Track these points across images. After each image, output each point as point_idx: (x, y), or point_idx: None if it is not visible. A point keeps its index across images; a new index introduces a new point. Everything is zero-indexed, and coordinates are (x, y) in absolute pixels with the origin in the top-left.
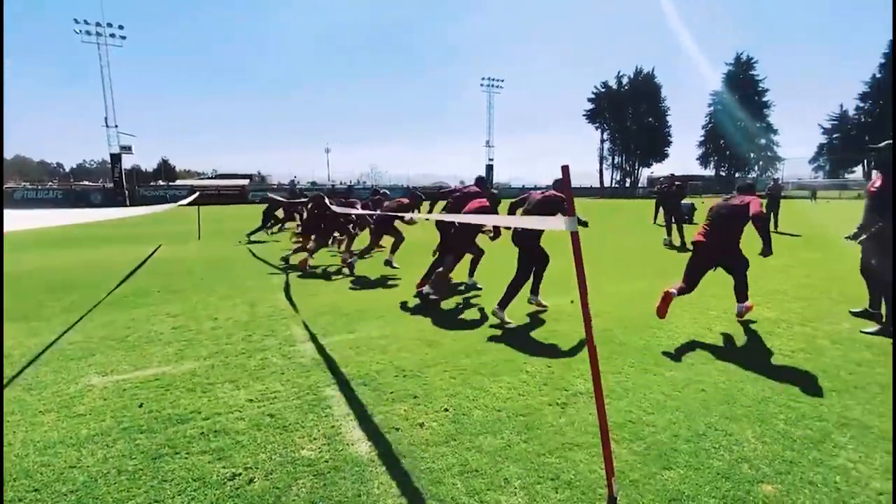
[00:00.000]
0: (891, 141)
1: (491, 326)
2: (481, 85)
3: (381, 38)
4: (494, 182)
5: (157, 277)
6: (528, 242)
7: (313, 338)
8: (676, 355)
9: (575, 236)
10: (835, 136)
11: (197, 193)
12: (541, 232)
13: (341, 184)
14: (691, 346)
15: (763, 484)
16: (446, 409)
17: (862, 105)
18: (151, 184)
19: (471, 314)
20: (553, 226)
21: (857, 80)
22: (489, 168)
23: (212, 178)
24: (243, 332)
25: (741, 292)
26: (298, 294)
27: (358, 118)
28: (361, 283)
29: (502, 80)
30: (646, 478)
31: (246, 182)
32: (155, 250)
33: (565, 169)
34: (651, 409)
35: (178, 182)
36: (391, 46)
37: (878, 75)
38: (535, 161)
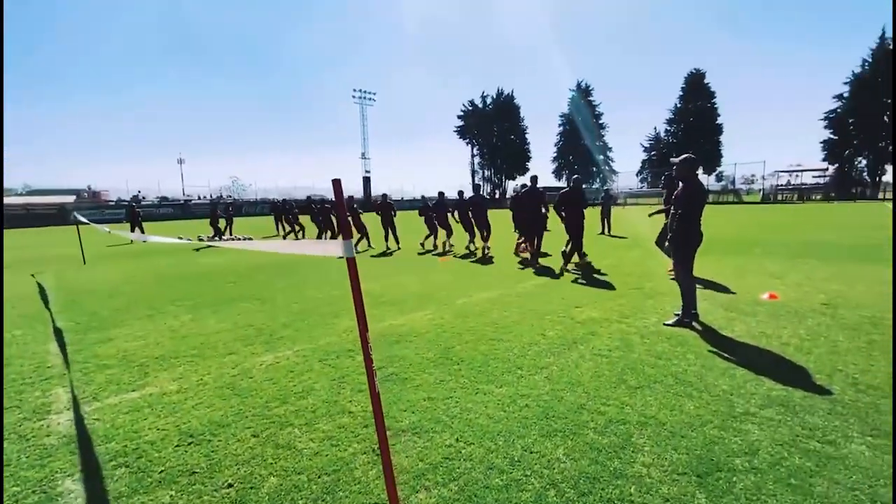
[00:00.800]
0: (685, 155)
1: (322, 361)
2: (353, 97)
3: (236, 43)
4: (373, 195)
5: None
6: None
7: (79, 403)
8: (510, 367)
9: (351, 262)
10: (652, 153)
11: None
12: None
13: (200, 197)
14: (525, 354)
15: None
16: (230, 485)
17: (670, 129)
18: None
19: (301, 346)
20: (330, 251)
21: (664, 108)
22: (366, 180)
23: (21, 195)
24: None
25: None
26: (83, 341)
27: (215, 128)
28: (182, 317)
29: (375, 93)
30: None
31: (71, 199)
32: None
33: (336, 182)
34: (472, 437)
35: None
36: (249, 51)
37: (679, 105)
38: (414, 174)
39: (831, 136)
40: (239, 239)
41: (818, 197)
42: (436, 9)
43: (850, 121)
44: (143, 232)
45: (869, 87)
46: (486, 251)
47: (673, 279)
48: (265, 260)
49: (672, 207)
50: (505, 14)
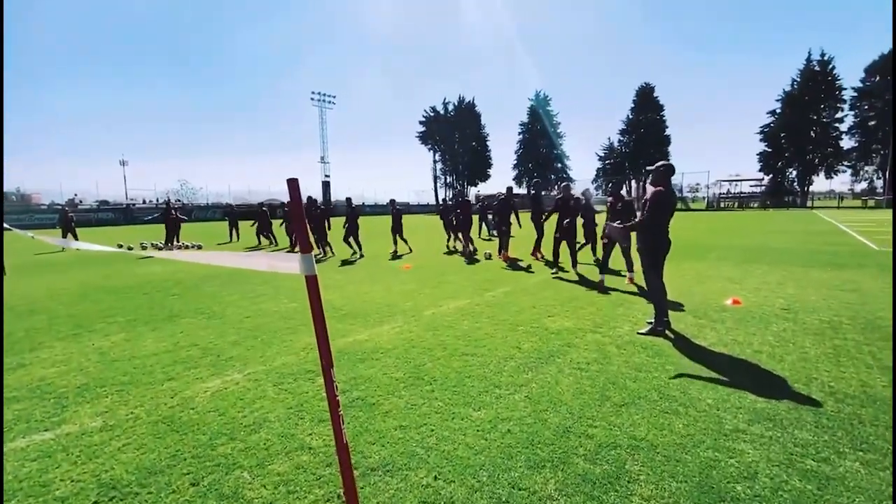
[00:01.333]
0: (665, 162)
1: (277, 385)
2: (312, 99)
3: (184, 38)
4: (333, 200)
5: None
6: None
7: None
8: (487, 386)
9: (311, 280)
10: (607, 162)
11: None
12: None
13: (145, 201)
14: (501, 371)
15: None
16: None
17: (622, 139)
18: None
19: (253, 369)
20: (286, 268)
21: (618, 119)
22: (325, 185)
23: None
24: None
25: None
26: None
27: (162, 128)
28: (114, 336)
29: (334, 96)
30: None
31: None
32: None
33: (292, 182)
34: (452, 474)
35: None
36: (201, 49)
37: (630, 116)
38: (377, 179)
39: (766, 148)
40: (188, 247)
41: (755, 205)
42: (400, 15)
43: (782, 135)
44: (76, 238)
45: (798, 105)
46: (473, 251)
47: (629, 289)
48: (215, 269)
49: (639, 213)
50: (464, 25)
